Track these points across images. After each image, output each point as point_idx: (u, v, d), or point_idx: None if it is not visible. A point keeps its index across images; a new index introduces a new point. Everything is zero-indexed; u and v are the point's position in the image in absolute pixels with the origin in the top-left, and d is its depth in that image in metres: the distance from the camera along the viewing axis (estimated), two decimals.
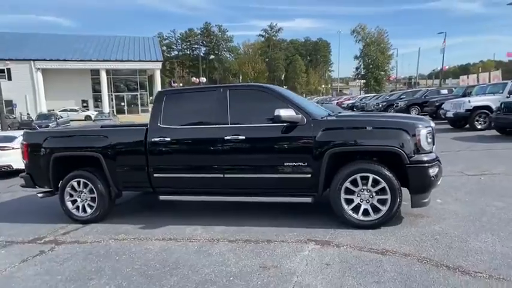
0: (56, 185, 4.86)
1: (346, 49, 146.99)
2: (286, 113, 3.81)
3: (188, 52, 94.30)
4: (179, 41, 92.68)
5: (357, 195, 3.78)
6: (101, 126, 5.61)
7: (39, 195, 5.09)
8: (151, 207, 5.31)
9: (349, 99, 39.26)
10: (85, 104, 37.33)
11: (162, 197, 4.47)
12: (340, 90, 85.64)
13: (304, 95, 76.10)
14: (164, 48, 78.92)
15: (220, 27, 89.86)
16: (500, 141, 9.88)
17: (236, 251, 3.46)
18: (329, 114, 4.34)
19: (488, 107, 12.45)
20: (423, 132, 3.66)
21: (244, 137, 4.05)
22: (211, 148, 4.19)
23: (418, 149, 3.64)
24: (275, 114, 3.81)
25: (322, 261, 3.10)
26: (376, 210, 3.75)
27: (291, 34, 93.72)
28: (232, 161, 4.13)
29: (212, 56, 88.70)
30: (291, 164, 3.93)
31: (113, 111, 35.16)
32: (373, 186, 3.72)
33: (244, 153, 4.11)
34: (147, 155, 4.39)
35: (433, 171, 3.67)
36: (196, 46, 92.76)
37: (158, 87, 37.39)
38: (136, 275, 3.11)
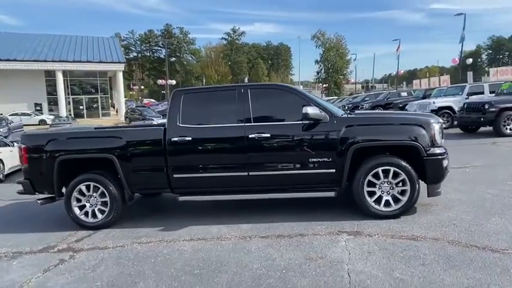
0: (60, 191, 4.60)
1: (307, 54, 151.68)
2: (313, 110, 3.96)
3: (148, 54, 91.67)
4: (138, 42, 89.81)
5: (379, 188, 4.02)
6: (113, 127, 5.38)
7: (39, 202, 4.78)
8: (159, 210, 5.20)
9: None
10: (38, 108, 34.82)
11: (181, 198, 4.40)
12: None
13: None
14: (122, 49, 75.97)
15: (182, 29, 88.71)
16: (465, 138, 10.87)
17: (273, 246, 3.53)
18: (346, 112, 4.55)
19: (450, 108, 13.62)
20: (436, 127, 4.00)
21: (269, 135, 4.13)
22: (235, 146, 4.23)
23: (433, 143, 3.97)
24: (303, 111, 3.95)
25: (363, 249, 3.28)
26: (396, 200, 4.01)
27: (251, 38, 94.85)
28: (257, 159, 4.19)
29: (173, 59, 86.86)
30: (316, 159, 4.08)
31: (70, 115, 33.23)
32: (393, 178, 3.98)
33: (270, 151, 4.19)
34: (167, 155, 4.31)
35: (445, 163, 4.01)
36: (156, 48, 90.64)
37: (121, 90, 35.97)
38: (183, 274, 3.06)
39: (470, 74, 29.34)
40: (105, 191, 4.43)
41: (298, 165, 4.13)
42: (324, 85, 61.91)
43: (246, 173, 4.21)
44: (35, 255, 3.82)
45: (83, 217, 4.52)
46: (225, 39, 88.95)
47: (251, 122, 4.22)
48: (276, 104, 4.34)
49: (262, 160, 4.20)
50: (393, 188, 4.01)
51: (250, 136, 4.16)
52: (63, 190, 4.58)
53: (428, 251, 3.14)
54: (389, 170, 3.96)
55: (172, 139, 4.29)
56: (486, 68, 79.67)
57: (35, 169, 4.62)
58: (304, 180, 4.18)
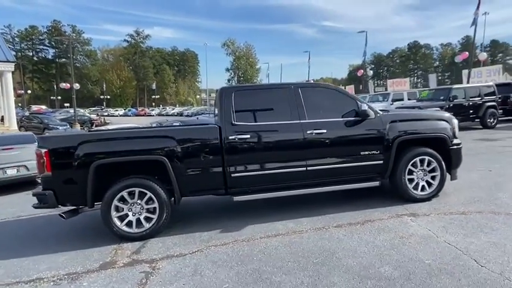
0: (93, 201, 4.08)
1: (216, 62, 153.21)
2: (366, 108, 4.48)
3: (30, 54, 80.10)
4: (17, 39, 77.71)
5: (416, 175, 4.75)
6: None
7: (65, 216, 4.15)
8: (184, 215, 4.96)
9: None
10: None
11: (236, 198, 4.37)
12: (205, 101, 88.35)
13: (177, 105, 75.41)
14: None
15: (75, 27, 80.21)
16: None
17: (356, 232, 3.87)
18: (382, 111, 5.16)
19: (387, 111, 15.94)
20: (455, 122, 4.95)
21: (325, 131, 4.48)
22: (294, 143, 4.44)
23: (454, 135, 4.89)
24: (362, 109, 4.44)
25: (435, 225, 3.89)
26: (429, 185, 4.79)
27: (152, 42, 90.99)
28: (315, 154, 4.48)
29: (64, 60, 77.72)
30: (366, 152, 4.59)
31: None
32: (427, 166, 4.75)
33: (326, 146, 4.51)
34: (224, 154, 4.26)
35: (462, 152, 4.98)
36: (41, 47, 79.87)
37: (10, 94, 30.64)
38: (306, 264, 3.18)
39: (371, 84, 34.33)
40: (153, 196, 4.12)
41: (351, 158, 4.57)
42: None
43: (304, 168, 4.45)
44: (99, 273, 3.35)
45: (125, 228, 4.10)
46: (127, 41, 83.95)
47: (306, 119, 4.50)
48: (324, 102, 4.71)
49: (319, 155, 4.50)
50: (426, 175, 4.78)
51: (308, 132, 4.43)
52: None
53: (483, 220, 3.93)
54: (424, 159, 4.72)
55: (230, 137, 4.27)
56: (370, 80, 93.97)
57: (62, 177, 4.00)
58: (356, 172, 4.64)
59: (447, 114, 5.11)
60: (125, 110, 66.11)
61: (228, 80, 70.38)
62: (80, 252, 3.90)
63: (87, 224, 4.87)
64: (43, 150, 3.95)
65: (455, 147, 4.85)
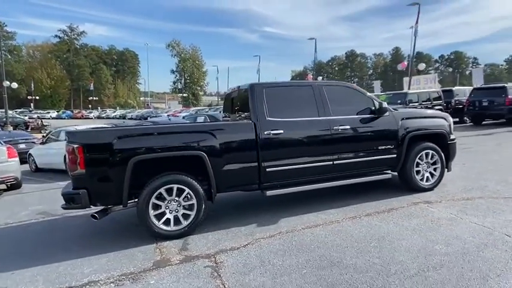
0: (128, 199, 3.92)
1: (161, 63, 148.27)
2: (385, 104, 4.91)
3: None
4: None
5: (422, 167, 5.30)
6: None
7: (97, 216, 3.92)
8: (213, 211, 4.96)
9: (180, 112, 40.71)
10: None
11: (269, 193, 4.48)
12: (147, 104, 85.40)
13: (118, 107, 71.43)
14: None
15: None
16: None
17: (388, 220, 4.23)
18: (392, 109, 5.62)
19: None
20: (451, 119, 5.63)
21: (349, 127, 4.81)
22: (322, 138, 4.70)
23: (451, 131, 5.56)
24: (383, 106, 4.87)
25: (453, 210, 4.40)
26: (432, 176, 5.38)
27: (85, 40, 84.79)
28: (341, 149, 4.78)
29: None
30: (383, 147, 5.02)
31: None
32: (431, 159, 5.33)
33: (350, 141, 4.84)
34: (259, 149, 4.36)
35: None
36: None
37: None
38: (368, 249, 3.44)
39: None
40: (191, 192, 4.07)
41: (370, 153, 4.95)
42: (184, 95, 62.34)
43: (331, 162, 4.73)
44: (159, 271, 3.24)
45: (162, 226, 3.99)
46: (59, 37, 77.55)
47: (331, 116, 4.79)
48: (344, 99, 5.04)
49: (344, 149, 4.81)
50: (430, 167, 5.36)
51: (334, 128, 4.73)
52: None
53: (489, 204, 4.55)
54: (429, 152, 5.29)
55: (265, 133, 4.39)
56: None
57: (96, 175, 3.78)
58: (374, 165, 5.03)
59: (444, 113, 5.80)
60: (58, 112, 60.87)
61: (174, 82, 68.64)
62: (118, 253, 3.72)
63: (103, 224, 4.64)
64: (76, 146, 3.69)
65: (452, 142, 5.52)
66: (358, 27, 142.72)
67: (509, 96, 13.86)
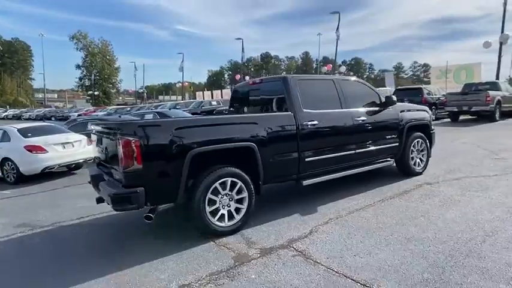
0: (183, 195, 3.67)
1: (63, 57, 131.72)
2: (394, 97, 5.46)
3: None
4: None
5: (415, 154, 6.03)
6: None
7: (152, 216, 3.56)
8: None
9: (94, 111, 37.30)
10: None
11: (306, 182, 4.62)
12: (41, 103, 76.22)
13: (8, 107, 61.67)
14: None
15: None
16: None
17: (409, 201, 4.74)
18: None
19: None
20: (431, 112, 6.50)
21: (365, 118, 5.23)
22: (348, 129, 5.01)
23: (431, 122, 6.43)
24: (394, 99, 5.38)
25: (456, 188, 5.13)
26: (421, 161, 6.16)
27: None
28: (360, 139, 5.15)
29: None
30: (390, 136, 5.57)
31: None
32: (420, 146, 6.10)
33: (366, 131, 5.23)
34: (299, 140, 4.47)
35: None
36: None
37: None
38: (422, 224, 3.84)
39: None
40: (243, 186, 3.99)
41: (381, 141, 5.45)
42: (95, 92, 56.95)
43: (353, 151, 5.08)
44: (248, 266, 3.13)
45: (217, 222, 3.82)
46: None
47: (350, 108, 5.14)
48: (356, 93, 5.43)
49: (362, 139, 5.20)
50: (419, 153, 6.13)
51: (355, 119, 5.09)
52: None
53: (480, 182, 5.39)
54: (419, 141, 6.05)
55: (303, 123, 4.52)
56: (228, 86, 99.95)
57: (155, 170, 3.44)
58: (383, 153, 5.54)
59: (425, 107, 6.66)
60: None
61: (80, 79, 62.05)
62: (179, 255, 3.47)
63: (127, 228, 4.25)
64: (132, 139, 3.29)
65: (433, 131, 6.39)
66: (269, 31, 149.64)
67: (424, 96, 16.30)
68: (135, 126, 3.40)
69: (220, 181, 3.81)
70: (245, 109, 5.54)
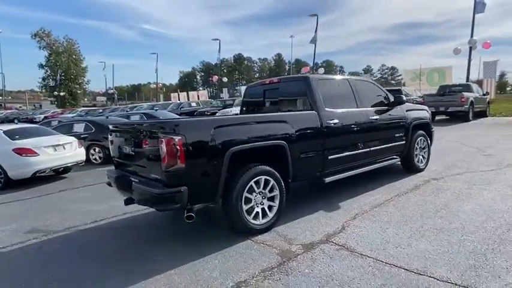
0: (221, 194, 3.68)
1: (22, 57, 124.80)
2: (404, 97, 5.72)
3: None
4: None
5: (417, 152, 6.34)
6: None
7: (193, 216, 3.52)
8: None
9: (61, 113, 35.77)
10: None
11: (328, 179, 4.75)
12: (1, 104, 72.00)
13: None
14: None
15: None
16: None
17: (423, 195, 5.00)
18: None
19: None
20: (429, 112, 6.86)
21: (378, 117, 5.44)
22: (364, 127, 5.19)
23: (431, 121, 6.79)
24: (404, 98, 5.64)
25: (462, 183, 5.46)
26: (424, 158, 6.48)
27: None
28: (374, 137, 5.36)
29: None
30: (399, 134, 5.83)
31: None
32: (422, 144, 6.42)
33: (379, 130, 5.45)
34: (323, 138, 4.59)
35: None
36: None
37: None
38: (448, 215, 4.08)
39: (225, 90, 36.84)
40: (275, 184, 4.05)
41: (393, 139, 5.70)
42: (61, 93, 54.38)
43: (369, 149, 5.27)
44: (298, 263, 3.21)
45: (252, 220, 3.86)
46: None
47: (364, 107, 5.34)
48: (368, 92, 5.64)
49: (376, 137, 5.40)
50: (421, 151, 6.45)
51: (370, 118, 5.30)
52: None
53: (479, 177, 5.76)
54: (422, 139, 6.37)
55: (326, 122, 4.65)
56: (200, 88, 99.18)
57: (197, 169, 3.43)
58: (394, 149, 5.78)
59: (425, 106, 7.01)
60: None
61: (43, 79, 58.86)
62: (222, 253, 3.49)
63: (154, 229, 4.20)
64: (176, 138, 3.26)
65: (432, 130, 6.75)
66: (241, 33, 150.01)
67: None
68: (177, 124, 3.37)
69: (255, 179, 3.85)
70: (262, 109, 5.59)
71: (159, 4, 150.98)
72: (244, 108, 5.95)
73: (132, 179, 3.94)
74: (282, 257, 3.31)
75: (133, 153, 3.94)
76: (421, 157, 6.42)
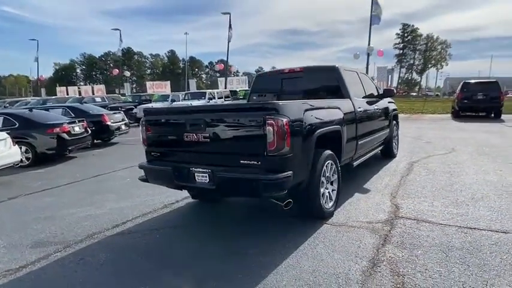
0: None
1: None
2: (394, 89, 6.46)
3: None
4: None
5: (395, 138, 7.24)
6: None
7: (292, 202, 3.40)
8: None
9: None
10: None
11: (355, 163, 5.11)
12: None
13: None
14: None
15: None
16: None
17: (421, 174, 5.82)
18: None
19: None
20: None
21: (377, 106, 6.05)
22: (376, 114, 5.77)
23: None
24: (392, 90, 6.37)
25: (444, 164, 6.50)
26: (396, 145, 7.43)
27: None
28: (378, 124, 5.94)
29: None
30: (387, 123, 6.56)
31: None
32: (395, 132, 7.35)
33: (380, 118, 6.06)
34: (356, 124, 4.92)
35: None
36: None
37: None
38: (469, 182, 4.86)
39: (127, 86, 34.01)
40: (336, 168, 4.21)
41: (385, 127, 6.38)
42: None
43: (376, 134, 5.84)
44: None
45: (324, 204, 3.95)
46: None
47: (368, 98, 5.88)
48: (368, 84, 6.18)
49: (379, 125, 6.00)
50: (394, 138, 7.37)
51: (375, 107, 5.86)
52: None
53: (476, 159, 6.92)
54: (395, 127, 7.30)
55: (358, 109, 4.99)
56: (82, 83, 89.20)
57: (298, 153, 3.36)
58: (384, 136, 6.47)
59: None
60: None
61: None
62: (316, 237, 3.47)
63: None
64: (284, 120, 3.12)
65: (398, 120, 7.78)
66: (127, 26, 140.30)
67: None
68: (283, 106, 3.20)
69: (326, 163, 3.92)
70: (279, 97, 5.57)
71: None
72: (254, 98, 5.84)
73: (194, 168, 3.56)
74: (377, 234, 3.48)
75: (207, 139, 3.52)
76: (394, 144, 7.35)
